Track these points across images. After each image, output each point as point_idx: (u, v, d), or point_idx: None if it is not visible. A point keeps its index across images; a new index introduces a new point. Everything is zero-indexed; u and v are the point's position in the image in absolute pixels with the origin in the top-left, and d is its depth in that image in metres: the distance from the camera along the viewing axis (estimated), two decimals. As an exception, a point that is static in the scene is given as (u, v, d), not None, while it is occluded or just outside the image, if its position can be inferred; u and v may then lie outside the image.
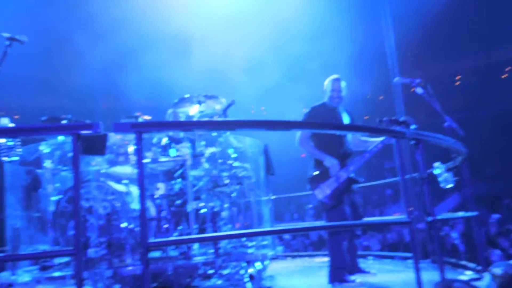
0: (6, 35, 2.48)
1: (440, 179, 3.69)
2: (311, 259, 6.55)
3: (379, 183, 7.00)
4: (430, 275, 2.50)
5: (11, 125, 2.53)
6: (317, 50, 11.22)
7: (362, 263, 4.75)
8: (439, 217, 2.46)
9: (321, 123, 2.01)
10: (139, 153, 1.74)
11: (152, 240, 1.82)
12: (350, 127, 2.64)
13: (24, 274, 3.74)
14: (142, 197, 1.75)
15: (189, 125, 1.90)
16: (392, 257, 5.90)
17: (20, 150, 2.51)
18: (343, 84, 4.28)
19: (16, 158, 2.52)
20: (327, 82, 4.32)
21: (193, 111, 4.51)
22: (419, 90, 3.87)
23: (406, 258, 5.41)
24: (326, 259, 4.99)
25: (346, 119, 4.31)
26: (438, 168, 3.55)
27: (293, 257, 6.97)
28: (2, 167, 4.15)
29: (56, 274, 3.67)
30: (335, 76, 4.30)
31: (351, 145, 4.25)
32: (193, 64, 9.83)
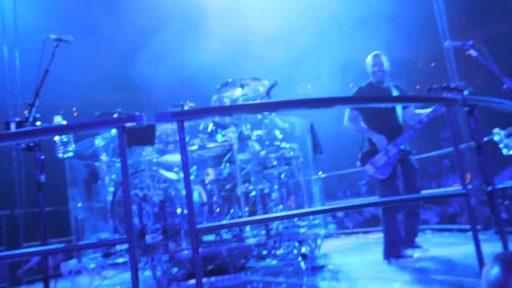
0: (53, 36, 2.59)
1: (501, 145, 3.47)
2: (365, 236, 6.45)
3: (435, 154, 6.70)
4: (493, 247, 2.37)
5: (64, 122, 2.66)
6: (363, 18, 10.77)
7: (420, 237, 4.60)
8: (499, 186, 2.31)
9: (365, 96, 1.93)
10: (181, 141, 1.76)
11: (199, 226, 1.85)
12: (396, 99, 2.52)
13: (90, 261, 3.97)
14: (187, 184, 1.78)
15: (228, 109, 1.89)
16: (451, 230, 5.67)
17: (73, 146, 2.64)
18: (383, 58, 4.20)
19: (71, 154, 2.66)
20: (368, 59, 4.25)
21: (236, 94, 4.52)
22: (473, 53, 3.62)
23: (467, 231, 5.18)
24: (381, 235, 4.91)
25: (395, 94, 4.17)
26: (497, 135, 3.32)
27: (347, 234, 6.90)
28: (62, 163, 4.41)
29: (119, 260, 3.85)
30: (375, 52, 4.25)
31: (407, 119, 4.11)
32: (234, 47, 9.80)
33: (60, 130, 1.99)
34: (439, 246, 4.73)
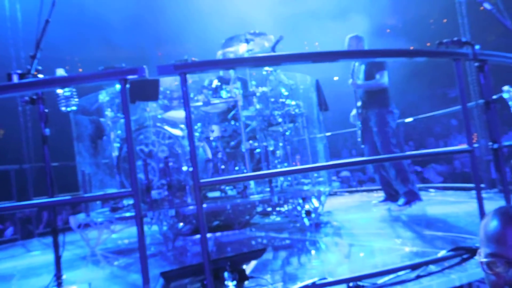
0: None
1: (510, 103, 3.41)
2: (369, 194, 6.51)
3: (442, 112, 6.62)
4: (496, 205, 2.38)
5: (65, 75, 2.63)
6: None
7: (424, 196, 4.66)
8: (506, 143, 2.28)
9: (371, 50, 1.85)
10: (184, 94, 1.74)
11: (203, 180, 1.86)
12: (403, 52, 2.44)
13: (98, 215, 4.06)
14: (191, 139, 1.77)
15: (230, 62, 1.85)
16: (455, 189, 5.70)
17: (76, 100, 2.62)
18: (353, 42, 4.68)
19: (74, 108, 2.65)
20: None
21: (242, 50, 4.43)
22: (487, 6, 3.48)
23: (470, 189, 5.21)
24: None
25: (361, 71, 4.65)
26: (507, 92, 3.25)
27: (351, 192, 6.97)
28: (68, 118, 4.42)
29: (126, 214, 3.93)
30: (349, 35, 4.73)
31: None
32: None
33: (61, 82, 1.96)
34: (441, 204, 4.78)
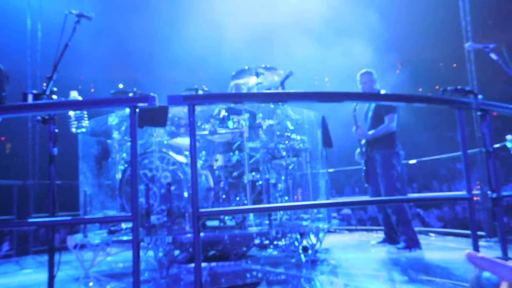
0: (75, 11, 2.63)
1: (513, 152, 3.45)
2: (368, 234, 6.45)
3: (446, 156, 6.63)
4: (494, 254, 2.37)
5: (79, 98, 2.71)
6: (386, 13, 10.63)
7: (423, 240, 4.63)
8: (505, 193, 2.29)
9: (378, 93, 1.90)
10: (191, 124, 1.79)
11: (202, 209, 1.88)
12: (410, 98, 2.49)
13: (95, 237, 4.04)
14: (194, 168, 1.81)
15: (239, 97, 1.90)
16: (456, 235, 5.64)
17: (87, 122, 2.69)
18: (365, 77, 4.74)
19: (84, 130, 2.71)
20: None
21: (251, 82, 4.53)
22: (493, 56, 3.57)
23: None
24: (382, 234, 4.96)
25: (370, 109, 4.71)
26: (510, 141, 3.29)
27: (351, 231, 6.91)
28: (75, 137, 4.48)
29: (123, 238, 3.92)
30: (361, 71, 4.80)
31: None
32: (256, 33, 9.74)
33: (74, 105, 2.03)
34: (441, 249, 4.73)
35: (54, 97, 2.35)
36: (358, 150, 4.77)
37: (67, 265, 4.38)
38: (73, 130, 2.66)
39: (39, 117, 2.33)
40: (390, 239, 4.63)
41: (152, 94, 1.86)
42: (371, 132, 4.57)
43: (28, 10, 6.18)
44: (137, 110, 1.85)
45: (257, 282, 2.24)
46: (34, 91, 2.28)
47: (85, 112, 2.61)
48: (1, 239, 6.93)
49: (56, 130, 2.38)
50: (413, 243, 4.28)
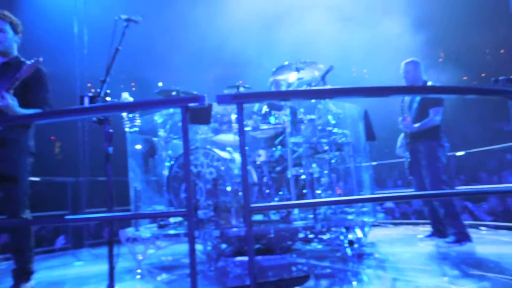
0: (124, 16, 2.75)
1: None
2: (414, 227, 6.32)
3: (497, 147, 6.36)
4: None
5: (131, 99, 2.84)
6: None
7: (473, 233, 4.49)
8: None
9: (426, 86, 1.86)
10: (240, 123, 1.84)
11: (254, 204, 1.93)
12: (463, 90, 2.41)
13: (145, 231, 4.22)
14: (244, 165, 1.86)
15: (287, 94, 1.93)
16: (509, 228, 5.42)
17: (139, 121, 2.82)
18: (409, 67, 4.61)
19: (136, 129, 2.85)
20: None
21: (292, 78, 4.54)
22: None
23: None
24: (429, 228, 4.85)
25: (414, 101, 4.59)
26: None
27: (396, 225, 6.79)
28: (124, 136, 4.68)
29: (171, 232, 4.06)
30: (405, 61, 4.65)
31: None
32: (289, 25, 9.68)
33: (128, 107, 2.13)
34: (494, 243, 4.57)
35: (108, 99, 2.48)
36: (399, 143, 4.68)
37: (120, 258, 4.59)
38: (127, 129, 2.79)
39: (95, 118, 2.47)
40: (438, 232, 4.53)
41: (201, 94, 1.92)
42: (416, 125, 4.47)
43: (75, 15, 6.47)
44: (188, 111, 1.92)
45: (307, 275, 2.28)
46: (90, 94, 2.41)
47: (137, 113, 2.74)
48: (57, 233, 7.34)
49: (111, 130, 2.51)
50: (463, 237, 4.17)
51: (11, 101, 2.78)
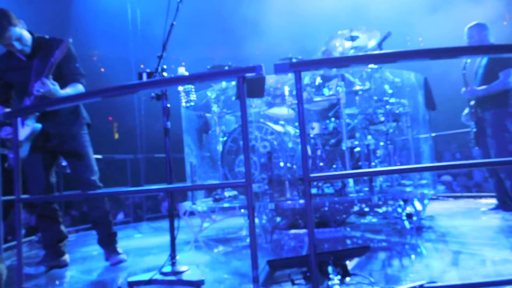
0: (179, -10, 2.75)
1: None
2: (476, 200, 6.04)
3: None
4: None
5: (187, 73, 2.88)
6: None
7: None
8: None
9: (499, 44, 1.71)
10: (299, 91, 1.80)
11: (313, 174, 1.91)
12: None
13: (202, 204, 4.34)
14: (303, 135, 1.83)
15: (346, 60, 1.86)
16: None
17: (195, 96, 2.86)
18: (473, 31, 4.32)
19: (192, 103, 2.89)
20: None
21: (346, 47, 4.39)
22: None
23: None
24: (493, 201, 4.61)
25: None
26: None
27: (456, 198, 6.52)
28: (178, 113, 4.79)
29: (226, 205, 4.15)
30: (470, 24, 4.37)
31: None
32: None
33: (189, 79, 2.15)
34: None
35: (165, 74, 2.52)
36: (467, 110, 4.42)
37: (178, 230, 4.78)
38: (183, 104, 2.84)
39: (153, 94, 2.52)
40: (504, 205, 4.29)
41: (258, 64, 1.89)
42: (482, 87, 4.18)
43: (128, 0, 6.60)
44: (245, 81, 1.90)
45: (368, 246, 2.24)
46: (148, 70, 2.47)
47: (192, 87, 2.77)
48: (117, 209, 7.76)
49: (168, 105, 2.56)
50: None
51: (53, 86, 2.87)
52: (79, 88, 3.09)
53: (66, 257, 3.33)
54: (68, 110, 3.20)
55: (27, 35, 3.02)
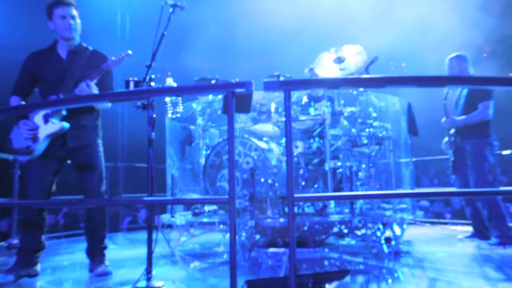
0: (170, 1, 2.76)
1: None
2: (452, 227, 6.12)
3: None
4: None
5: (175, 84, 2.86)
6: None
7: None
8: None
9: (486, 77, 1.74)
10: (288, 110, 1.80)
11: (297, 195, 1.89)
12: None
13: (180, 218, 4.26)
14: (289, 153, 1.82)
15: (336, 82, 1.87)
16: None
17: (181, 107, 2.84)
18: (453, 63, 4.42)
19: (178, 115, 2.87)
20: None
21: (333, 69, 4.44)
22: None
23: None
24: (469, 228, 4.67)
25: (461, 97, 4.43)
26: None
27: (433, 224, 6.59)
28: (163, 123, 4.74)
29: (206, 220, 4.09)
30: (450, 56, 4.47)
31: None
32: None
33: (178, 91, 2.13)
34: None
35: (153, 84, 2.49)
36: (446, 139, 4.50)
37: (156, 244, 4.68)
38: (169, 115, 2.81)
39: (139, 103, 2.49)
40: (479, 234, 4.35)
41: (248, 80, 1.88)
42: (461, 117, 4.27)
43: (119, 4, 6.57)
44: (234, 97, 1.89)
45: (347, 270, 2.22)
46: (135, 78, 2.43)
47: (179, 99, 2.75)
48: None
49: (154, 115, 2.52)
50: (507, 240, 3.99)
51: (95, 91, 2.92)
52: (108, 105, 3.18)
53: (38, 266, 3.21)
54: (91, 117, 3.21)
55: (79, 27, 3.14)
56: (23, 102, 3.12)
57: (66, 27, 3.05)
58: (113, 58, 2.90)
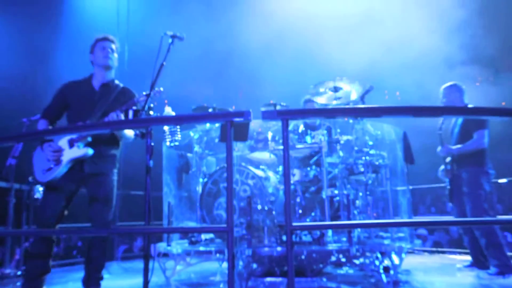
0: (170, 33, 2.83)
1: None
2: (450, 256, 6.06)
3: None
4: None
5: (173, 113, 2.89)
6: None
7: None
8: None
9: (486, 107, 1.77)
10: (285, 139, 1.82)
11: (296, 223, 1.89)
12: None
13: (177, 246, 4.21)
14: (287, 182, 1.83)
15: (333, 112, 1.91)
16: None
17: (180, 136, 2.87)
18: (445, 92, 4.47)
19: (177, 143, 2.90)
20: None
21: (329, 98, 4.50)
22: None
23: None
24: (468, 257, 4.64)
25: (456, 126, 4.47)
26: None
27: (431, 253, 6.54)
28: (160, 150, 4.75)
29: (202, 248, 4.04)
30: (444, 85, 4.53)
31: None
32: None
33: (177, 120, 2.15)
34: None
35: (151, 113, 2.53)
36: (442, 167, 4.52)
37: (152, 273, 4.59)
38: (168, 143, 2.83)
39: (138, 132, 2.51)
40: (478, 263, 4.31)
41: (246, 110, 1.91)
42: (457, 146, 4.31)
43: (117, 33, 6.68)
44: (233, 126, 1.91)
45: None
46: (134, 107, 2.46)
47: (178, 127, 2.78)
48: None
49: (152, 144, 2.54)
50: (506, 269, 3.96)
51: None
52: (132, 137, 3.23)
53: None
54: (112, 148, 3.26)
55: (116, 61, 3.38)
56: (50, 127, 3.20)
57: (105, 55, 3.25)
58: (144, 93, 2.96)
